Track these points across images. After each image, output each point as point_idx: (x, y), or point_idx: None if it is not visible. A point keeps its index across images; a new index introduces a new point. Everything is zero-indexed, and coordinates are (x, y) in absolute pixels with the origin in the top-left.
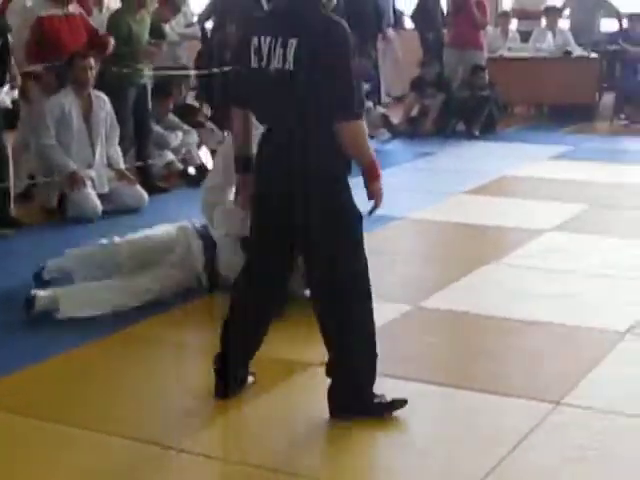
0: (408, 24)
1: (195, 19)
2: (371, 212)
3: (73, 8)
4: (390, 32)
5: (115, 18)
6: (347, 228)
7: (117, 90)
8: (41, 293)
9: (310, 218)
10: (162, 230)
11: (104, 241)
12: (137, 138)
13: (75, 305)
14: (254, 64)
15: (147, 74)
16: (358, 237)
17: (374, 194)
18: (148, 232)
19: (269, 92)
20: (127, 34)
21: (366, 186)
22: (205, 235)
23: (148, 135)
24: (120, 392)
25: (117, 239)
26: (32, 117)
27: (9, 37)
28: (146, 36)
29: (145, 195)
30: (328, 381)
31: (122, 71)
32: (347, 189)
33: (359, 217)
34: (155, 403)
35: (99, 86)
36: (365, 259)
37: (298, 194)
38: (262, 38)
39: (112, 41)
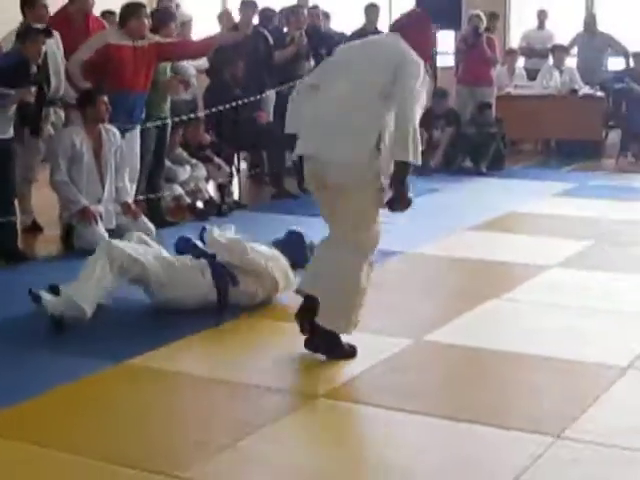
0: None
1: None
2: None
3: (147, 41)
4: None
5: None
6: None
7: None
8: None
9: None
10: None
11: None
12: (150, 171)
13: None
14: None
15: (167, 107)
16: None
17: None
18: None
19: None
20: None
21: None
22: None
23: (162, 169)
24: (126, 422)
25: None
26: (25, 154)
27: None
28: (168, 69)
29: (153, 228)
30: (334, 412)
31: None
32: None
33: None
34: (161, 433)
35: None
36: None
37: None
38: None
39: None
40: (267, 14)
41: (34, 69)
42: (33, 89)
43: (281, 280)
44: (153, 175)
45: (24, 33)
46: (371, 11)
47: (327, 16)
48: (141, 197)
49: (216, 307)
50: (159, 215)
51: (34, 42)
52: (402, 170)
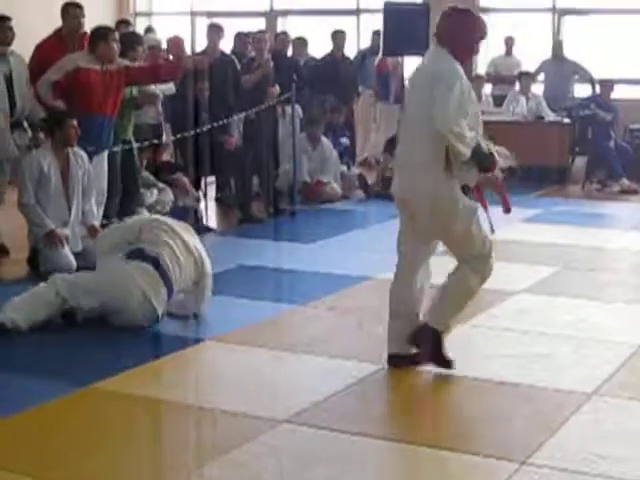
0: None
1: None
2: None
3: (116, 65)
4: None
5: None
6: None
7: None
8: None
9: None
10: None
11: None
12: (123, 194)
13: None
14: None
15: (130, 131)
16: None
17: None
18: None
19: None
20: None
21: None
22: None
23: (135, 193)
24: (90, 447)
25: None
26: None
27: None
28: (134, 90)
29: None
30: (298, 437)
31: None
32: None
33: None
34: (125, 458)
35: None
36: None
37: None
38: None
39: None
40: (242, 39)
41: None
42: None
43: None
44: (126, 198)
45: None
46: (338, 37)
47: (304, 42)
48: (113, 219)
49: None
50: None
51: None
52: (468, 164)
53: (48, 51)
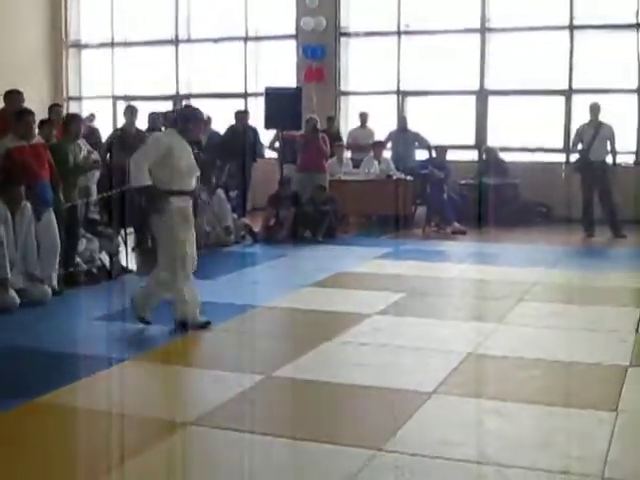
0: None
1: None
2: None
3: (36, 139)
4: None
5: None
6: None
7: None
8: None
9: None
10: None
11: None
12: (67, 245)
13: None
14: None
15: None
16: None
17: None
18: None
19: None
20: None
21: None
22: None
23: (76, 243)
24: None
25: None
26: None
27: None
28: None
29: (49, 291)
30: (207, 441)
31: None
32: None
33: None
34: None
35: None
36: None
37: None
38: None
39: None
40: (153, 117)
41: None
42: None
43: None
44: (71, 248)
45: None
46: (240, 116)
47: (208, 120)
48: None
49: None
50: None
51: None
52: None
53: None
